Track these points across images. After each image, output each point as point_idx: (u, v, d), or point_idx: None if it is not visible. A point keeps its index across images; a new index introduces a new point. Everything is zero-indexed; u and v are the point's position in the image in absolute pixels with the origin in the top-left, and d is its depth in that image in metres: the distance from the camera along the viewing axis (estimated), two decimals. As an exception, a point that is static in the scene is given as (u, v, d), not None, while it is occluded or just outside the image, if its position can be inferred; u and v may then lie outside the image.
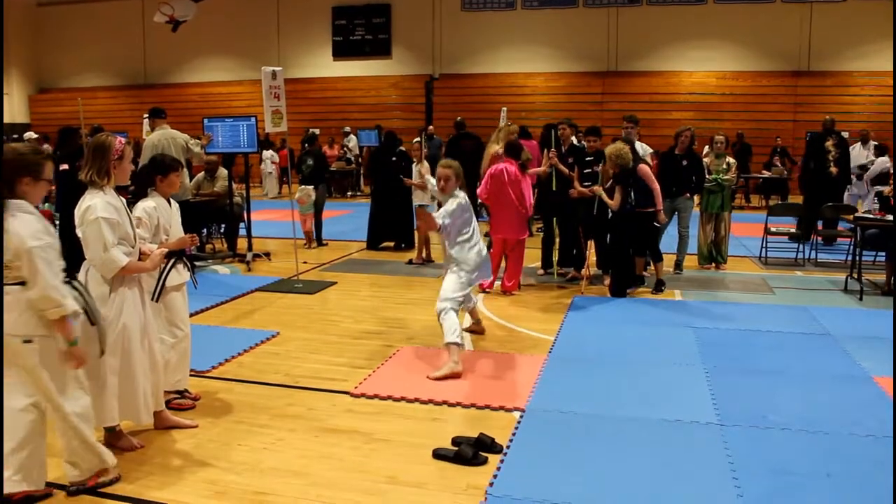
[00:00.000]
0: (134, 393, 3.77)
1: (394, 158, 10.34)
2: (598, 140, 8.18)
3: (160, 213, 4.23)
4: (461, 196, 5.57)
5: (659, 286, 7.85)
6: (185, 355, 4.45)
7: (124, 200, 3.75)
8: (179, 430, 4.16)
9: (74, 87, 23.45)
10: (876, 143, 14.24)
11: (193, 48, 23.11)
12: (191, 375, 4.71)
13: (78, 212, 3.58)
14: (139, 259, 3.80)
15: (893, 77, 11.46)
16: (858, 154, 12.97)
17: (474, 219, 5.72)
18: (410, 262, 9.45)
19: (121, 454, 3.79)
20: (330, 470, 3.72)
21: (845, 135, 14.12)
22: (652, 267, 8.13)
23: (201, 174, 10.26)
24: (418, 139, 10.88)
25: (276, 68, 8.32)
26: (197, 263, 8.83)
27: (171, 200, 4.43)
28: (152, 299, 4.13)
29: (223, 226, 10.22)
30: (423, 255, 9.43)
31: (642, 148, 8.53)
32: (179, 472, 3.68)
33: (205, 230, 10.09)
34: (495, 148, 7.84)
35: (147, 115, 8.58)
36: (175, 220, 4.39)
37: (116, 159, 3.65)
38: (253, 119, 9.38)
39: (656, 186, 7.71)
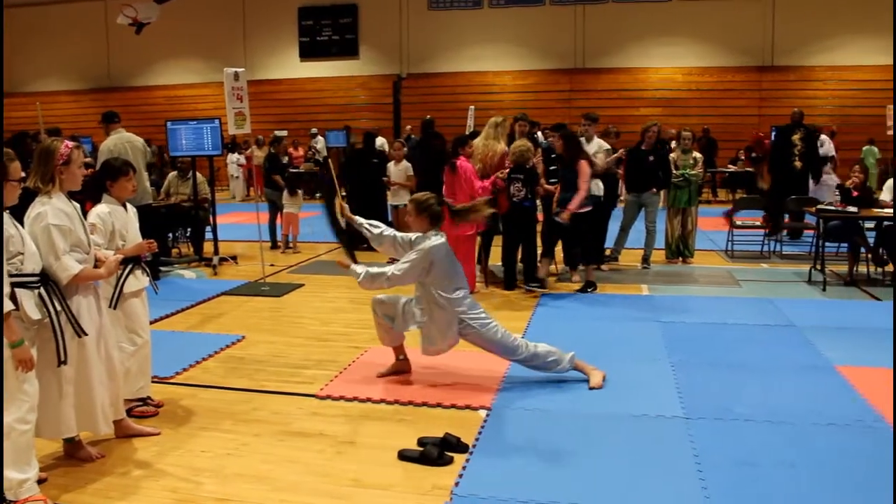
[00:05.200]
0: (91, 403, 3.69)
1: (375, 160, 10.25)
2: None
3: (115, 219, 4.15)
4: (432, 241, 4.72)
5: (587, 287, 7.64)
6: (145, 362, 4.38)
7: (77, 206, 3.68)
8: (141, 438, 4.09)
9: (35, 91, 23.07)
10: (817, 128, 14.44)
11: (158, 50, 22.82)
12: (154, 382, 4.65)
13: (27, 219, 3.50)
14: (94, 266, 3.73)
15: (894, 74, 11.58)
16: (828, 149, 13.13)
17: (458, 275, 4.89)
18: (391, 261, 9.38)
19: (81, 465, 3.73)
20: (294, 474, 3.68)
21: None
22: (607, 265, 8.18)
23: (173, 174, 10.14)
24: (400, 140, 10.84)
25: (239, 69, 8.23)
26: (162, 268, 8.73)
27: (128, 205, 4.36)
28: (110, 306, 4.06)
29: (189, 230, 10.11)
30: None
31: (598, 145, 8.54)
32: (141, 481, 3.62)
33: (170, 234, 9.97)
34: (500, 147, 7.75)
35: (100, 120, 8.38)
36: (132, 225, 4.31)
37: (62, 164, 3.57)
38: (217, 121, 9.29)
39: (584, 187, 7.35)
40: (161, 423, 4.29)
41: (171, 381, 5.06)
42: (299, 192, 10.51)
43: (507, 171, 7.50)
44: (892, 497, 3.26)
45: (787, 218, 10.44)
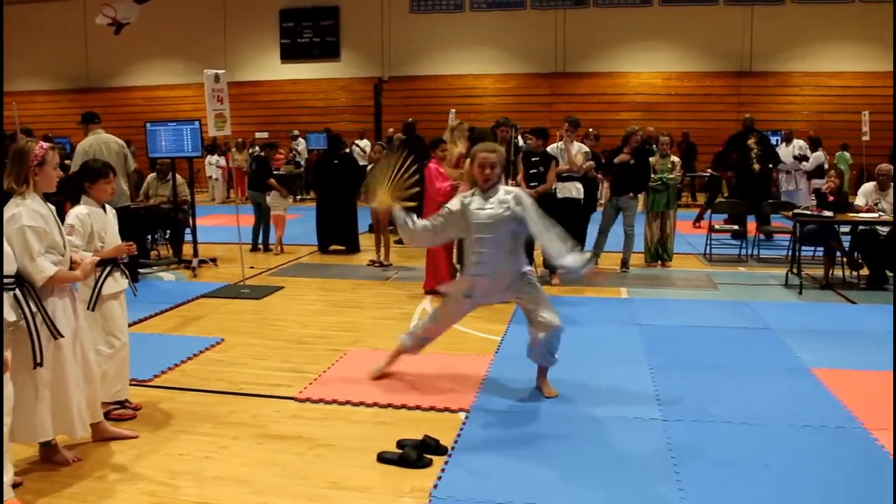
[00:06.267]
0: (67, 406, 3.66)
1: (336, 161, 10.36)
2: (543, 140, 8.24)
3: (94, 220, 4.12)
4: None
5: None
6: (123, 365, 4.35)
7: (53, 208, 3.65)
8: (119, 441, 4.07)
9: (11, 91, 22.84)
10: (811, 137, 14.73)
11: (138, 51, 22.68)
12: (132, 385, 4.62)
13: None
14: (70, 268, 3.70)
15: (894, 79, 11.73)
16: (783, 154, 13.33)
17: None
18: (372, 262, 9.42)
19: (57, 469, 3.70)
20: (273, 477, 3.67)
21: (782, 133, 14.60)
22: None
23: (152, 176, 10.08)
24: (380, 143, 10.85)
25: (219, 71, 8.22)
26: (141, 270, 8.68)
27: (107, 207, 4.34)
28: (88, 308, 4.04)
29: (168, 232, 10.05)
30: (381, 257, 9.38)
31: (577, 148, 8.60)
32: (117, 484, 3.59)
33: (149, 236, 9.91)
34: (457, 149, 7.83)
35: (79, 121, 8.31)
36: (111, 226, 4.29)
37: (36, 165, 3.54)
38: (197, 123, 9.25)
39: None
40: (139, 426, 4.26)
41: (150, 383, 5.03)
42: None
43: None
44: (893, 498, 3.30)
45: (754, 221, 10.62)
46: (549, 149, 8.35)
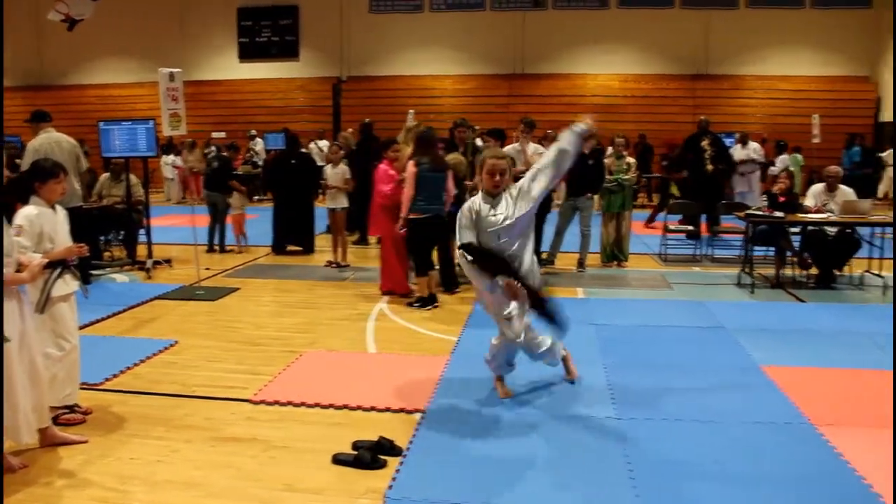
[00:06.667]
0: (13, 411, 3.59)
1: (294, 161, 10.30)
2: (500, 142, 8.29)
3: (43, 221, 4.05)
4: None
5: (421, 302, 7.22)
6: (73, 368, 4.28)
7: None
8: (67, 446, 4.00)
9: (-39, 88, 22.31)
10: (777, 141, 15.10)
11: (92, 48, 22.26)
12: (82, 388, 4.54)
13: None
14: (17, 270, 3.63)
15: (894, 81, 11.95)
16: (739, 154, 13.59)
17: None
18: (329, 263, 9.38)
19: (3, 476, 3.63)
20: (227, 479, 3.64)
21: (737, 136, 14.89)
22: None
23: (105, 176, 9.91)
24: (336, 143, 10.79)
25: (175, 70, 8.11)
26: (94, 272, 8.53)
27: (58, 207, 4.26)
28: (37, 310, 3.96)
29: (122, 232, 9.89)
30: (338, 258, 9.35)
31: (534, 149, 8.67)
32: (65, 490, 3.53)
33: (102, 237, 9.74)
34: (409, 150, 7.86)
35: (28, 119, 8.12)
36: (61, 227, 4.21)
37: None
38: (151, 122, 9.13)
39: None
40: (89, 431, 4.20)
41: (101, 387, 4.95)
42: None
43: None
44: (892, 495, 3.37)
45: (705, 221, 10.83)
46: (505, 150, 8.39)
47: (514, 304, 4.41)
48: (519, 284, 4.24)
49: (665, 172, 14.04)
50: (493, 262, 4.32)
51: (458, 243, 4.48)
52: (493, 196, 4.50)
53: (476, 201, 4.52)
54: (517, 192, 4.49)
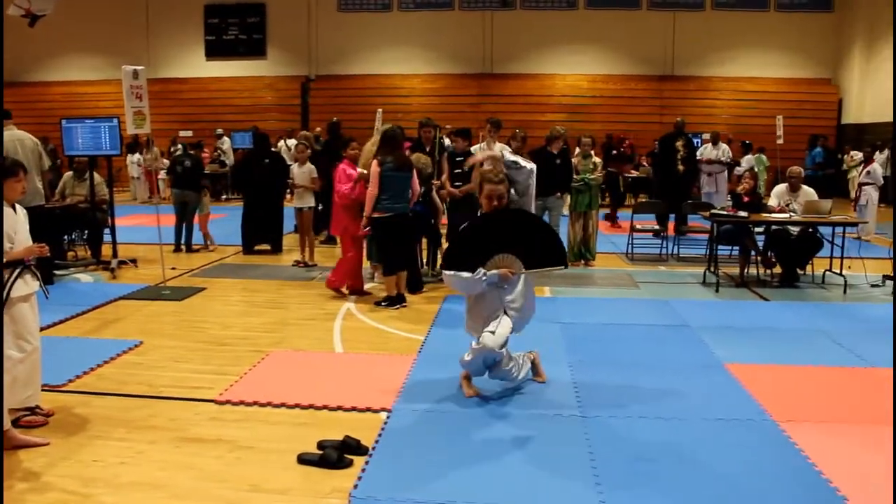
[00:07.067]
0: (-28, 412, 3.54)
1: (266, 160, 10.25)
2: (467, 141, 8.33)
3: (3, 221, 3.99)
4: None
5: (389, 301, 7.21)
6: (34, 370, 4.21)
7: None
8: (29, 449, 3.94)
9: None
10: (743, 142, 15.33)
11: (56, 45, 21.95)
12: (44, 390, 4.46)
13: None
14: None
15: (894, 83, 12.10)
16: (709, 154, 13.77)
17: None
18: (296, 263, 9.34)
19: (-39, 478, 3.57)
20: (191, 480, 3.61)
21: (706, 136, 15.12)
22: None
23: (69, 174, 9.77)
24: (303, 142, 10.74)
25: (138, 67, 8.03)
26: (58, 272, 8.42)
27: (18, 206, 4.19)
28: (-5, 311, 3.90)
29: (86, 232, 9.76)
30: (306, 257, 9.31)
31: (500, 149, 8.70)
32: (27, 494, 3.48)
33: (66, 237, 9.61)
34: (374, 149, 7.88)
35: None
36: (21, 227, 4.15)
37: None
38: (115, 120, 9.02)
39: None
40: (50, 433, 4.14)
41: (63, 388, 4.88)
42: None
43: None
44: (892, 494, 3.39)
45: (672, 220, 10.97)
46: (472, 149, 8.43)
47: (497, 322, 4.55)
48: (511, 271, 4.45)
49: (612, 166, 14.15)
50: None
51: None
52: None
53: None
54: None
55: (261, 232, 10.38)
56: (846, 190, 17.16)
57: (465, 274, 4.45)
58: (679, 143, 11.61)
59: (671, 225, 11.00)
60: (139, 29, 22.24)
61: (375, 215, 7.05)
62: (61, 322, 6.53)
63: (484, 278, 4.45)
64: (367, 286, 7.84)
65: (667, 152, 11.65)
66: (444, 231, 8.66)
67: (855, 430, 4.23)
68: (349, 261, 7.60)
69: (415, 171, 7.32)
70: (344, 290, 7.64)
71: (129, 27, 22.12)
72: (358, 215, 7.29)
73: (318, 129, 17.74)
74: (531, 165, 5.75)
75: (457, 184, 8.02)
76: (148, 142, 16.34)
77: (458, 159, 8.13)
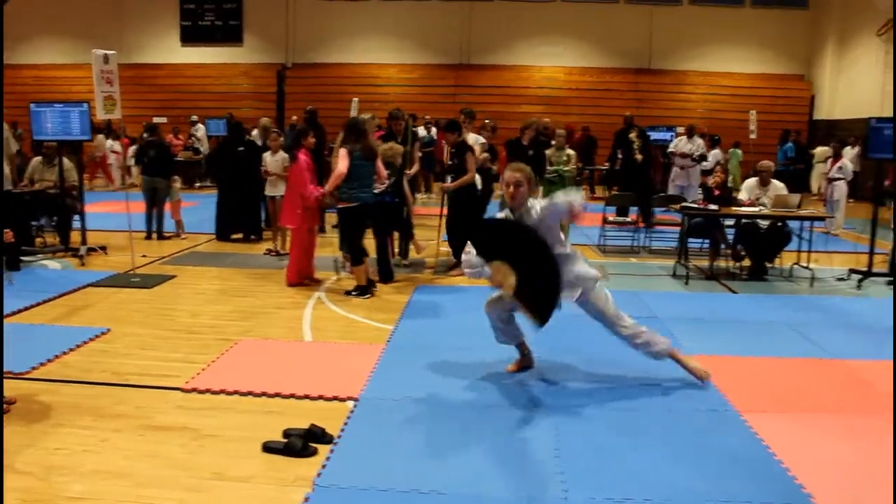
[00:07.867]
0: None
1: (241, 148, 10.19)
2: (454, 134, 8.30)
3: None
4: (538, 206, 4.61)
5: (358, 290, 7.22)
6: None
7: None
8: (-10, 435, 3.91)
9: None
10: (712, 136, 15.45)
11: (26, 27, 21.57)
12: (6, 378, 4.43)
13: None
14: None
15: (894, 82, 12.21)
16: (684, 147, 13.87)
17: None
18: (268, 251, 9.31)
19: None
20: (155, 468, 3.60)
21: (681, 129, 15.23)
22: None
23: (37, 160, 9.65)
24: (275, 130, 10.67)
25: (109, 52, 7.94)
26: (25, 258, 8.32)
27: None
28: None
29: (55, 218, 9.64)
30: (278, 246, 9.27)
31: (473, 139, 8.74)
32: (-13, 479, 3.46)
33: (34, 223, 9.49)
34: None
35: None
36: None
37: None
38: (86, 105, 8.92)
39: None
40: (12, 421, 4.10)
41: (27, 376, 4.83)
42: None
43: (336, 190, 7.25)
44: (892, 495, 3.43)
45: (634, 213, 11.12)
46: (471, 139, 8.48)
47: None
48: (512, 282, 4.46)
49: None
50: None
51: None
52: (514, 210, 4.65)
53: (503, 215, 4.75)
54: (536, 216, 4.57)
55: (235, 220, 10.32)
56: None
57: (475, 259, 4.60)
58: (633, 135, 12.21)
59: (633, 216, 11.07)
60: (113, 13, 21.98)
61: (341, 206, 7.06)
62: (27, 309, 6.46)
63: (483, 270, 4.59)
64: (340, 275, 7.88)
65: (623, 145, 12.28)
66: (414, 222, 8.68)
67: (815, 419, 4.31)
68: (294, 256, 7.60)
69: (378, 160, 7.31)
70: (306, 282, 7.63)
71: (104, 10, 21.85)
72: (315, 213, 7.48)
73: (295, 117, 17.65)
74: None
75: (450, 176, 8.03)
76: (108, 126, 15.96)
77: (451, 151, 8.11)
